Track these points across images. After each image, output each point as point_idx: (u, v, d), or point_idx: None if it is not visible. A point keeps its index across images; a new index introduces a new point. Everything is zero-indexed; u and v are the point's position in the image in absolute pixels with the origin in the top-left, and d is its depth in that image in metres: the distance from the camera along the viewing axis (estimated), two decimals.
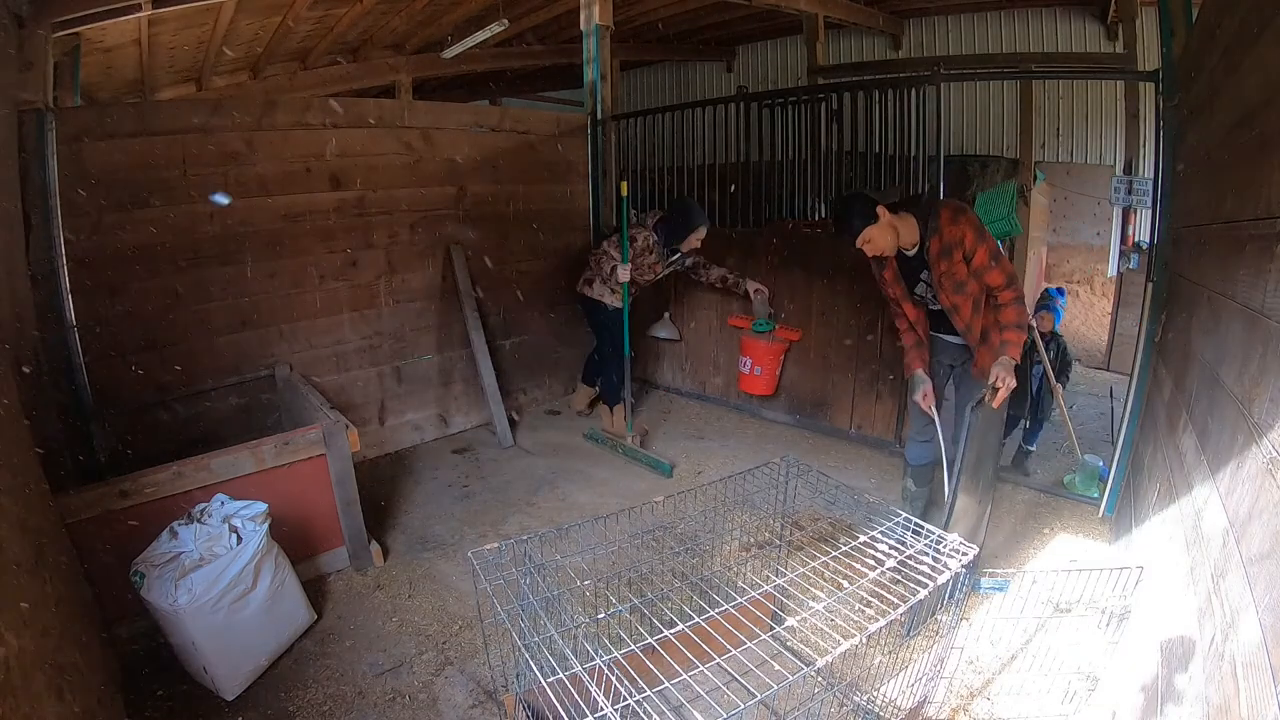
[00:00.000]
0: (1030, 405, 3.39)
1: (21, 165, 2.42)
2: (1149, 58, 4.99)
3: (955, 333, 2.40)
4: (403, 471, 3.49)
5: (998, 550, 2.66)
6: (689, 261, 3.73)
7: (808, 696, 1.80)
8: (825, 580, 1.66)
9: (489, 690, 1.95)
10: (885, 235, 2.21)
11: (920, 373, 2.44)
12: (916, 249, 2.28)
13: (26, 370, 2.11)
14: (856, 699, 1.83)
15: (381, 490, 3.24)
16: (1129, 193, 5.27)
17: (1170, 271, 2.55)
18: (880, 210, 2.19)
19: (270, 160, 3.09)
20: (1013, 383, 2.12)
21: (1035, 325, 3.25)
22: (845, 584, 1.54)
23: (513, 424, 3.92)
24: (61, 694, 1.28)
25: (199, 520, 2.00)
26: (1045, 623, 1.96)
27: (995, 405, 2.15)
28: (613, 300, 3.65)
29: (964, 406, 2.44)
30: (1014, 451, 3.47)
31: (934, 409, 2.42)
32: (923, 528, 1.66)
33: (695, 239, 3.56)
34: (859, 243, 2.23)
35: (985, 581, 2.06)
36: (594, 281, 3.71)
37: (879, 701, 1.78)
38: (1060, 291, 3.61)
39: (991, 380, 2.14)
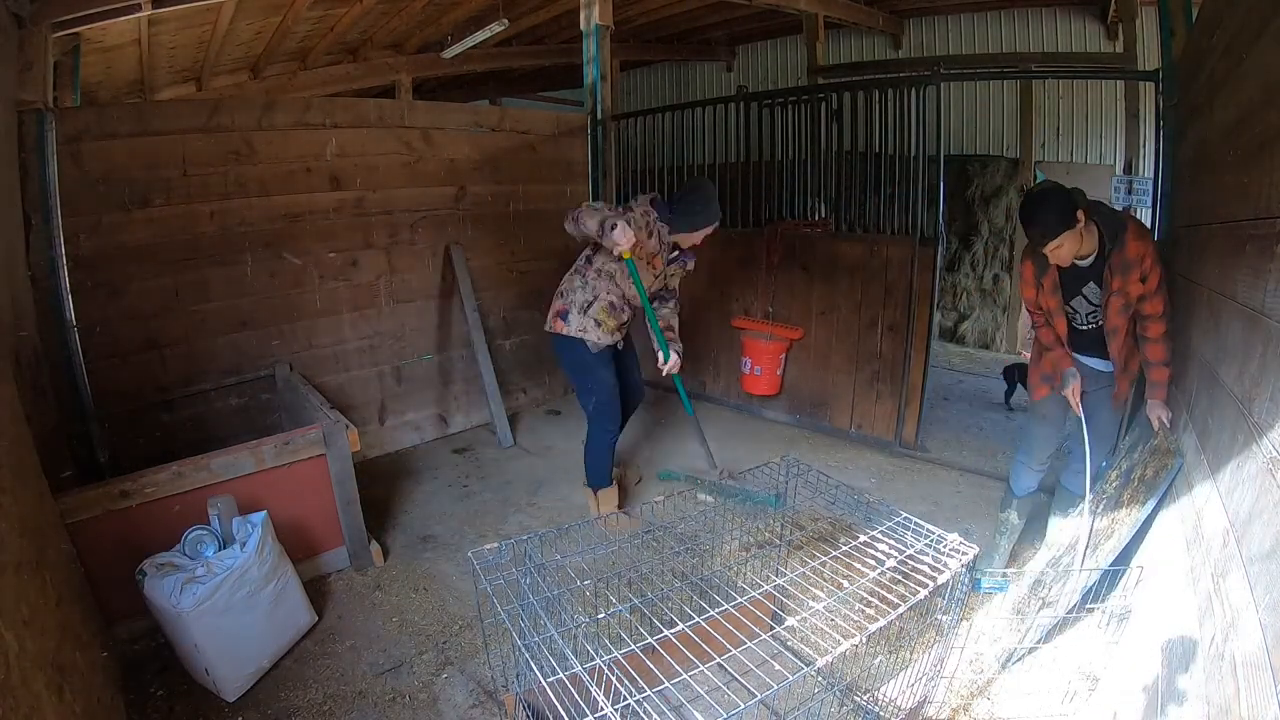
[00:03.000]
0: None
1: (21, 165, 2.42)
2: (1149, 58, 4.98)
3: (1094, 355, 2.28)
4: (403, 471, 3.49)
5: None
6: (689, 264, 2.82)
7: (808, 696, 1.80)
8: (825, 580, 1.66)
9: (489, 690, 1.95)
10: (1074, 243, 2.00)
11: (1072, 368, 2.23)
12: (1091, 259, 2.09)
13: (26, 370, 2.12)
14: (856, 699, 1.83)
15: (381, 490, 3.23)
16: (1129, 192, 5.26)
17: (1170, 271, 2.55)
18: (1079, 214, 1.96)
19: (270, 160, 3.09)
20: (1169, 416, 2.07)
21: None
22: (845, 584, 1.54)
23: (513, 424, 3.92)
24: (61, 694, 1.28)
25: (204, 524, 2.00)
26: (1045, 622, 1.96)
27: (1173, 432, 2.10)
28: (597, 334, 2.67)
29: (1089, 433, 2.33)
30: None
31: (1080, 405, 2.23)
32: (923, 528, 1.66)
33: (701, 235, 2.73)
34: (1049, 248, 2.00)
35: (985, 581, 2.06)
36: (568, 313, 2.67)
37: (879, 701, 1.78)
38: None
39: (1156, 428, 2.09)
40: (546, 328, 2.80)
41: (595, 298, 2.66)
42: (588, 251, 2.73)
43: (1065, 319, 2.25)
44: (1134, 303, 2.08)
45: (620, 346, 2.86)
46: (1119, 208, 5.47)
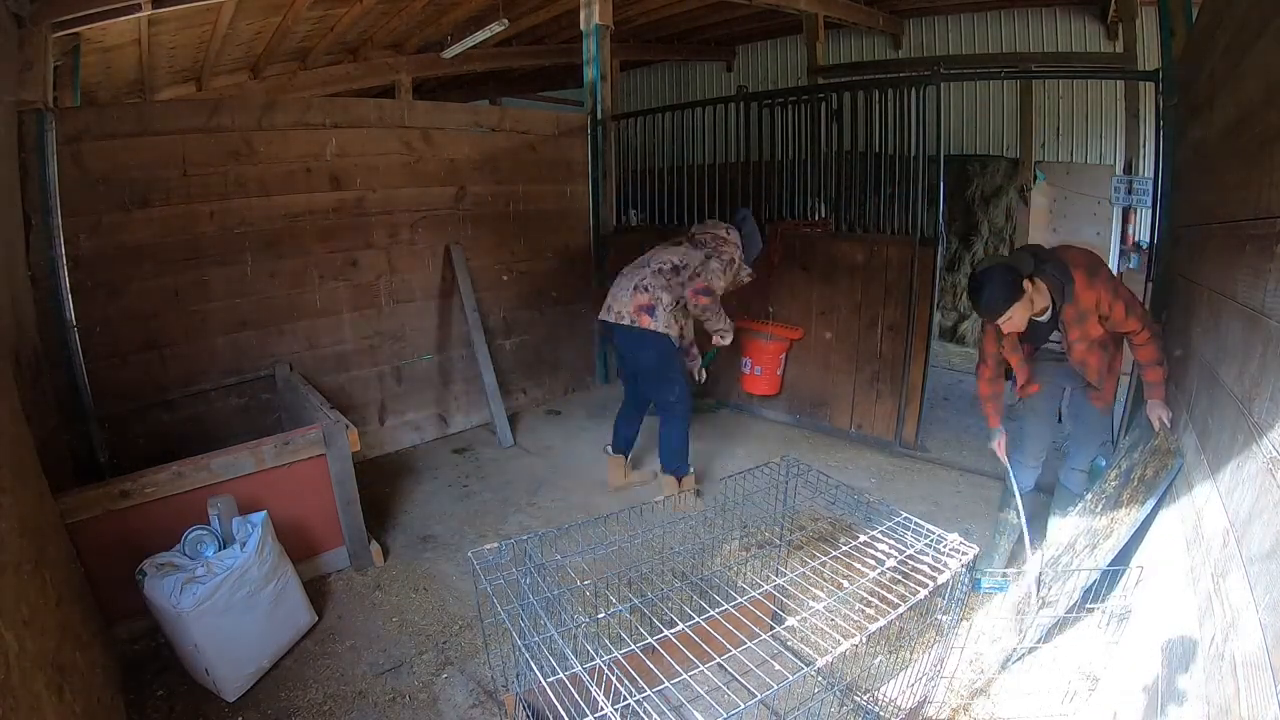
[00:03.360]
0: None
1: (21, 165, 2.42)
2: (1149, 58, 4.98)
3: None
4: (403, 471, 3.49)
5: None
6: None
7: (808, 696, 1.80)
8: (825, 580, 1.66)
9: (489, 690, 1.95)
10: (1026, 310, 2.06)
11: (999, 427, 2.39)
12: (1048, 314, 2.14)
13: (26, 370, 2.11)
14: (856, 699, 1.83)
15: (381, 490, 3.23)
16: (1129, 192, 5.28)
17: (1170, 271, 2.55)
18: (1026, 284, 2.03)
19: (270, 160, 3.09)
20: (1169, 416, 2.08)
21: None
22: (845, 584, 1.54)
23: (513, 424, 3.92)
24: (61, 694, 1.28)
25: (204, 524, 2.00)
26: (1045, 622, 1.96)
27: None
28: (676, 332, 2.92)
29: (1082, 431, 2.41)
30: None
31: (1006, 457, 2.38)
32: (923, 528, 1.66)
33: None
34: (1000, 322, 2.07)
35: (985, 581, 2.06)
36: (655, 309, 2.83)
37: (879, 701, 1.78)
38: None
39: (1156, 428, 2.10)
40: (623, 321, 2.88)
41: (677, 301, 2.89)
42: (675, 260, 2.92)
43: (1028, 363, 2.31)
44: (1097, 340, 2.12)
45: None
46: (1118, 208, 5.45)
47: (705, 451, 3.68)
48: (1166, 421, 2.08)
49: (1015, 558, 2.58)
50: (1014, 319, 2.06)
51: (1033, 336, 2.23)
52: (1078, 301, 2.06)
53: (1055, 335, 2.22)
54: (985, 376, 2.39)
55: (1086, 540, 2.03)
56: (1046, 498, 2.66)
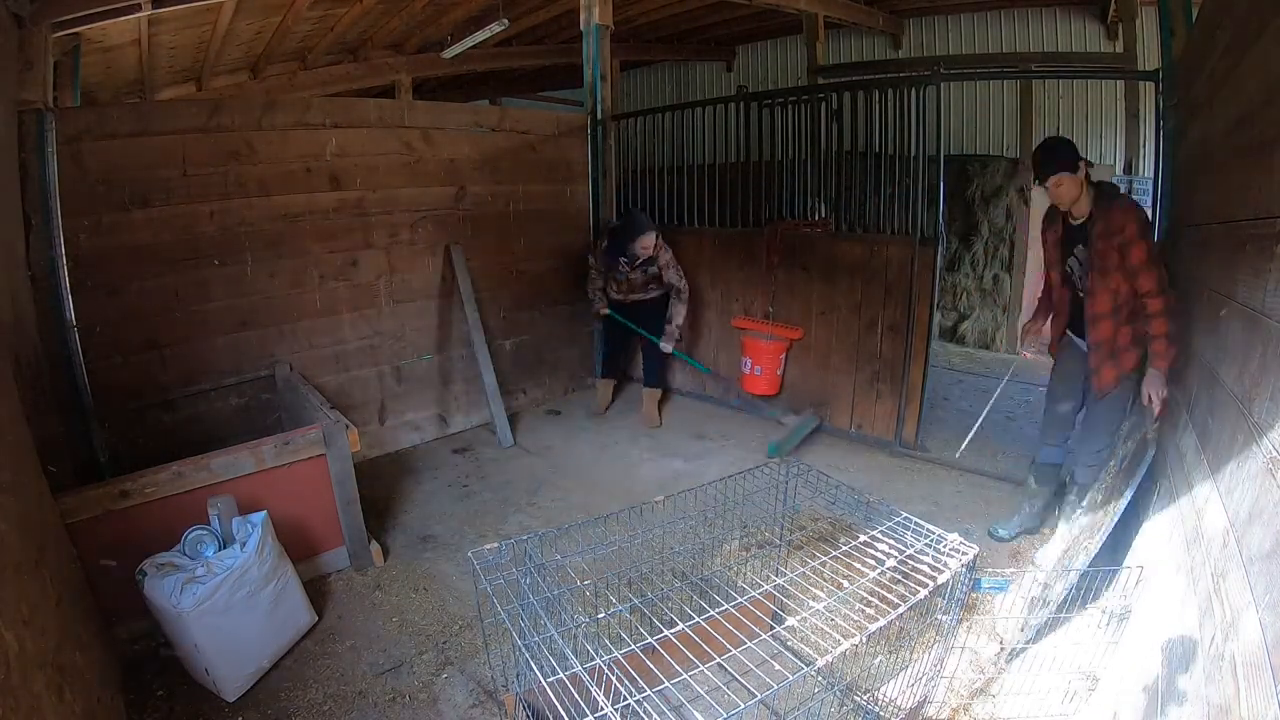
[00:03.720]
0: None
1: (21, 165, 2.42)
2: (1149, 58, 4.98)
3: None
4: (403, 471, 3.49)
5: (998, 549, 2.66)
6: (652, 269, 3.83)
7: (808, 696, 1.80)
8: (825, 580, 1.66)
9: (489, 690, 1.95)
10: (1073, 189, 2.26)
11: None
12: (1083, 221, 2.33)
13: (26, 370, 2.11)
14: (856, 699, 1.83)
15: (381, 490, 3.23)
16: (1129, 193, 5.27)
17: (1170, 271, 2.55)
18: (1081, 164, 2.24)
19: (270, 160, 3.08)
20: (1163, 394, 2.09)
21: None
22: (845, 584, 1.54)
23: (513, 424, 3.92)
24: (61, 694, 1.28)
25: (204, 524, 2.00)
26: (1045, 622, 1.96)
27: (1155, 421, 2.17)
28: (599, 304, 4.08)
29: (1089, 421, 2.46)
30: None
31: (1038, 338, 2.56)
32: (923, 528, 1.66)
33: (637, 247, 3.68)
34: (1051, 183, 2.27)
35: (985, 581, 2.06)
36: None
37: (879, 701, 1.78)
38: None
39: (1144, 400, 2.12)
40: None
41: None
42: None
43: (1062, 280, 2.46)
44: (1113, 272, 2.20)
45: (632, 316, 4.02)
46: None
47: (705, 450, 3.68)
48: (1157, 398, 2.07)
49: (1032, 533, 2.66)
50: (1063, 188, 2.26)
51: (1067, 239, 2.41)
52: (1109, 217, 2.20)
53: (1078, 251, 2.36)
54: (1045, 296, 2.61)
55: (1086, 534, 2.03)
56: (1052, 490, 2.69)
